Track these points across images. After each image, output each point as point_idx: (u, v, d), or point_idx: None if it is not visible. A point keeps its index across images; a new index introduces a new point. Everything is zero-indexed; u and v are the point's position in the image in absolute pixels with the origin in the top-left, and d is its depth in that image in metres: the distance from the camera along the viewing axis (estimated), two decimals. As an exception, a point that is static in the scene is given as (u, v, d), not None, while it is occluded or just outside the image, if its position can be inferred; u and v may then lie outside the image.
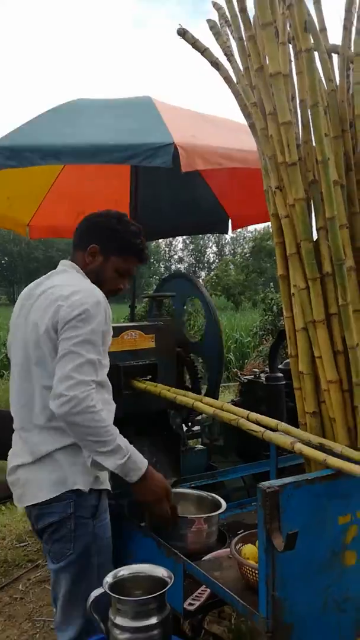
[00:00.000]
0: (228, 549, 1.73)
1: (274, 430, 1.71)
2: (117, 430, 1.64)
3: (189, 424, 2.76)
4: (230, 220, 4.29)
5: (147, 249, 1.87)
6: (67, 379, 1.55)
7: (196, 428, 3.01)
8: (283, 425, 1.72)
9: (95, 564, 1.67)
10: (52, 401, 1.58)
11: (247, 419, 1.80)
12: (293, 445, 1.60)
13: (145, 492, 1.69)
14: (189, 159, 2.51)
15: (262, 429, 1.72)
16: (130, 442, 1.68)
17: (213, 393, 2.59)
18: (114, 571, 1.51)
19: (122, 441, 1.65)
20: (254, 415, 1.81)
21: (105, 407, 1.68)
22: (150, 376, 2.38)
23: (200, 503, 2.03)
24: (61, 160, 2.69)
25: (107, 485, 1.74)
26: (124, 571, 1.51)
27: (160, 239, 5.98)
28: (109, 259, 1.80)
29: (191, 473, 2.32)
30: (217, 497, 1.99)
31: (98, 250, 1.79)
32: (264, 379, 2.81)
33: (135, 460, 1.66)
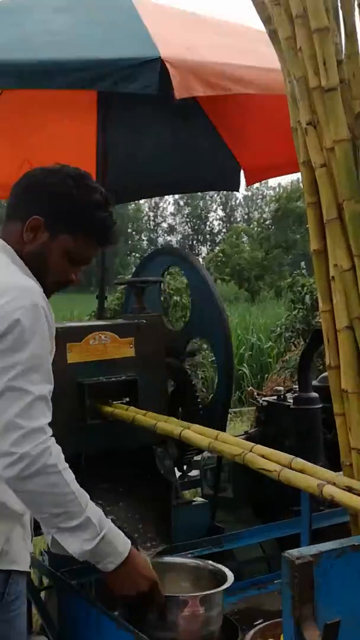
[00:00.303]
0: (240, 647, 1.73)
1: (290, 468, 1.73)
2: (88, 497, 1.65)
3: (184, 466, 2.77)
4: (242, 173, 4.29)
5: (116, 227, 1.84)
6: (13, 429, 1.55)
7: (194, 473, 3.01)
8: (299, 461, 1.73)
9: None
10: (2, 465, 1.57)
11: (251, 452, 1.82)
12: (321, 489, 1.61)
13: (123, 584, 1.71)
14: (184, 81, 2.51)
15: (278, 467, 1.74)
16: (96, 494, 1.68)
17: (219, 421, 2.60)
18: None
19: (95, 513, 1.65)
20: (260, 448, 1.83)
21: None
22: (127, 398, 2.38)
23: (196, 576, 2.04)
24: (-4, 83, 2.68)
25: (23, 566, 1.74)
26: None
27: (141, 199, 5.98)
28: (57, 237, 1.75)
29: (187, 538, 2.33)
30: (219, 566, 2.01)
31: (42, 225, 1.75)
32: (291, 400, 2.82)
33: (111, 542, 1.66)
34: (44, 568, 2.25)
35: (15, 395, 1.55)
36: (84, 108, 3.92)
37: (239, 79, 2.75)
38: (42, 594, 2.75)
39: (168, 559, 2.11)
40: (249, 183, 4.33)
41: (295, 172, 4.13)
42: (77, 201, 1.77)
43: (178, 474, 2.71)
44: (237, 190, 4.47)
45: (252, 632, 1.73)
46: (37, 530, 2.10)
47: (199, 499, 2.59)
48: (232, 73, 2.75)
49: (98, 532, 1.63)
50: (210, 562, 2.06)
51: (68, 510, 1.60)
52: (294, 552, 1.37)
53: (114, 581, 1.71)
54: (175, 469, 2.61)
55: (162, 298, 10.55)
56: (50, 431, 1.60)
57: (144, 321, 2.48)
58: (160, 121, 4.02)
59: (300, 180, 1.84)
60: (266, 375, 9.89)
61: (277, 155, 3.91)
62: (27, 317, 1.59)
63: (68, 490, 1.59)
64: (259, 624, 1.80)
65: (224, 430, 2.59)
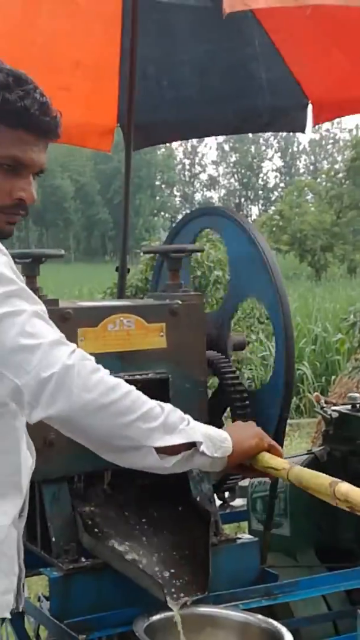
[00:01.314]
0: None
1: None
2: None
3: (226, 492, 2.77)
4: (310, 107, 4.27)
5: (47, 108, 1.80)
6: (22, 351, 1.64)
7: (238, 502, 3.01)
8: (344, 486, 1.75)
9: None
10: (30, 407, 1.65)
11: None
12: (334, 487, 1.70)
13: (248, 436, 1.92)
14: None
15: (287, 465, 1.84)
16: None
17: (274, 435, 2.60)
18: None
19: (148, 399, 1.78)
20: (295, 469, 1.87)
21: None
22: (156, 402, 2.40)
23: (244, 634, 2.06)
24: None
25: (4, 612, 1.81)
26: None
27: (174, 141, 5.96)
28: None
29: (229, 586, 2.33)
30: (275, 624, 2.03)
31: None
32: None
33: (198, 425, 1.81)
34: (43, 617, 2.28)
35: (6, 316, 1.65)
36: (106, 21, 3.92)
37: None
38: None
39: (207, 609, 2.13)
40: (317, 122, 4.29)
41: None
42: None
43: (218, 502, 2.72)
44: (303, 132, 4.43)
45: None
46: (32, 568, 2.14)
47: (246, 536, 2.57)
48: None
49: (184, 418, 1.78)
50: (261, 617, 2.07)
51: (144, 407, 1.71)
52: (373, 609, 1.37)
53: (241, 443, 1.88)
54: (215, 496, 2.62)
55: (199, 273, 10.43)
56: (73, 345, 1.69)
57: (179, 302, 2.49)
58: (202, 39, 4.00)
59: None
60: (333, 377, 9.86)
61: (358, 86, 3.89)
62: None
63: (127, 387, 1.71)
64: None
65: (282, 447, 2.60)
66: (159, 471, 1.78)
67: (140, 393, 1.73)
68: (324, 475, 1.79)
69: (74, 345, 1.69)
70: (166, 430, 1.73)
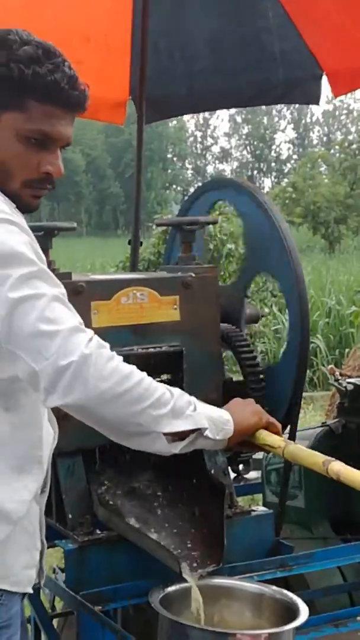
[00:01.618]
0: None
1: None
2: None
3: (240, 465, 2.78)
4: (325, 78, 4.24)
5: (76, 82, 1.80)
6: (42, 336, 1.64)
7: (253, 474, 3.02)
8: (337, 465, 1.76)
9: None
10: (47, 393, 1.67)
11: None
12: (327, 466, 1.74)
13: (248, 416, 1.94)
14: None
15: (283, 443, 1.86)
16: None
17: (289, 407, 2.60)
18: None
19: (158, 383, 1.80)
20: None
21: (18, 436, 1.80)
22: (169, 375, 2.40)
23: (259, 605, 2.06)
24: None
25: (19, 585, 1.83)
26: None
27: (187, 114, 5.94)
28: None
29: (243, 558, 2.34)
30: (290, 595, 2.03)
31: None
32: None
33: (204, 407, 1.83)
34: (58, 589, 2.30)
35: (26, 299, 1.65)
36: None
37: None
38: (55, 622, 2.82)
39: (222, 581, 2.14)
40: (338, 93, 4.26)
41: None
42: (4, 62, 1.74)
43: (233, 475, 2.73)
44: (317, 104, 4.40)
45: None
46: (47, 540, 2.16)
47: (260, 508, 2.58)
48: None
49: (191, 402, 1.80)
50: (276, 588, 2.08)
51: (155, 394, 1.73)
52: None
53: (241, 423, 1.90)
54: (229, 468, 2.63)
55: (211, 246, 10.42)
56: (88, 331, 1.70)
57: (193, 275, 2.49)
58: (215, 10, 3.99)
59: None
60: (347, 350, 9.85)
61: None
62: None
63: (139, 374, 1.73)
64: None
65: (296, 421, 2.59)
66: (166, 454, 1.80)
67: (151, 379, 1.75)
68: (318, 453, 1.83)
69: (91, 332, 1.70)
70: (174, 416, 1.75)
